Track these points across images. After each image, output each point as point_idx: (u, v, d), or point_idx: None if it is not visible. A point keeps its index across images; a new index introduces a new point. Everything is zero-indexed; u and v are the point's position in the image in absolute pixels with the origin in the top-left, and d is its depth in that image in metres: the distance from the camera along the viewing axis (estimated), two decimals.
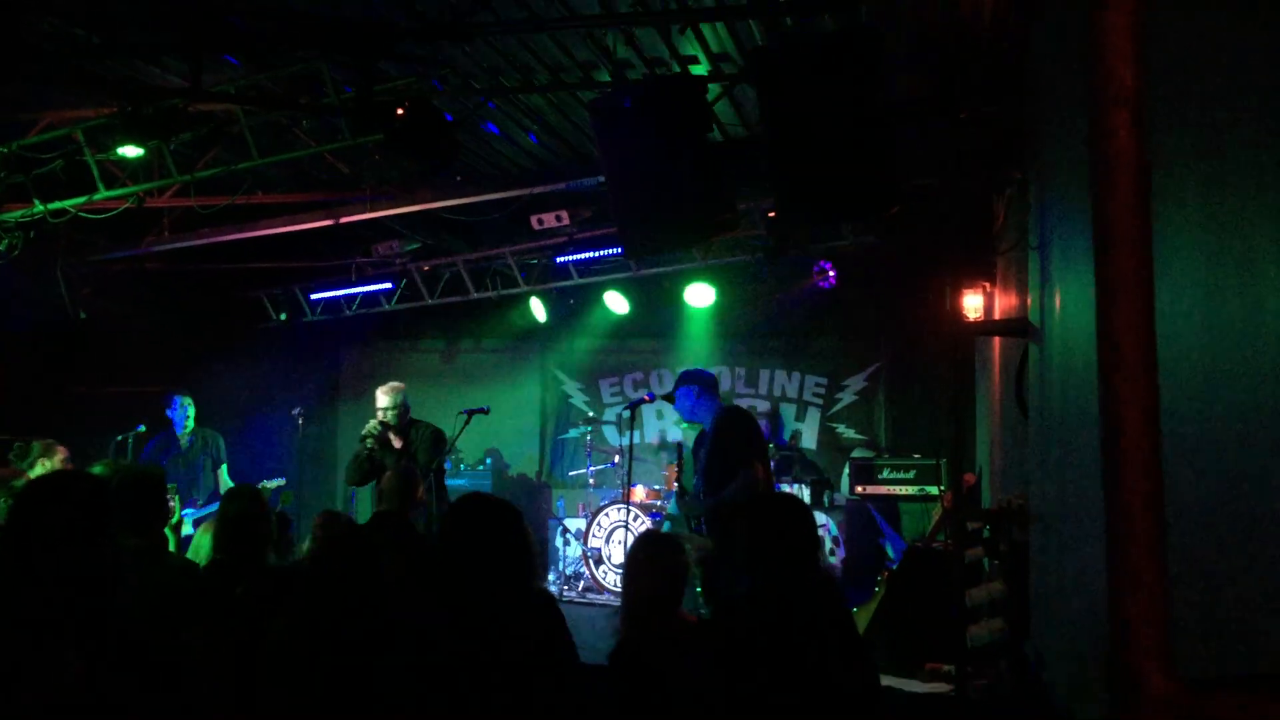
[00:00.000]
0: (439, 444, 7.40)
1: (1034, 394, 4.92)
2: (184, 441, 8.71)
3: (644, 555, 3.88)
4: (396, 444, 7.38)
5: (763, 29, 6.31)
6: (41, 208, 7.66)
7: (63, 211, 7.72)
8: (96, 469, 5.34)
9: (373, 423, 7.40)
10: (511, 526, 3.27)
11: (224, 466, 8.75)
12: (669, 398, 6.75)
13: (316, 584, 3.72)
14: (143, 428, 8.68)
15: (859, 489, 9.90)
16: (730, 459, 6.19)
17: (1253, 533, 2.04)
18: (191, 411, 8.74)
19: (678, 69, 6.66)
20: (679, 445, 7.56)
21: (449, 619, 3.12)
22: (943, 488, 9.42)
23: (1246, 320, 2.10)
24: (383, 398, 7.41)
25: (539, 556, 3.42)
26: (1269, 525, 2.00)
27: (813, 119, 5.27)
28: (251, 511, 4.56)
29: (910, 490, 9.72)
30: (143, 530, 4.12)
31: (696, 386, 6.54)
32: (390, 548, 4.98)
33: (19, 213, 7.90)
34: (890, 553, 9.32)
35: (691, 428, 8.69)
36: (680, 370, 7.05)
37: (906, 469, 9.82)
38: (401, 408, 7.41)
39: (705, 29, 6.23)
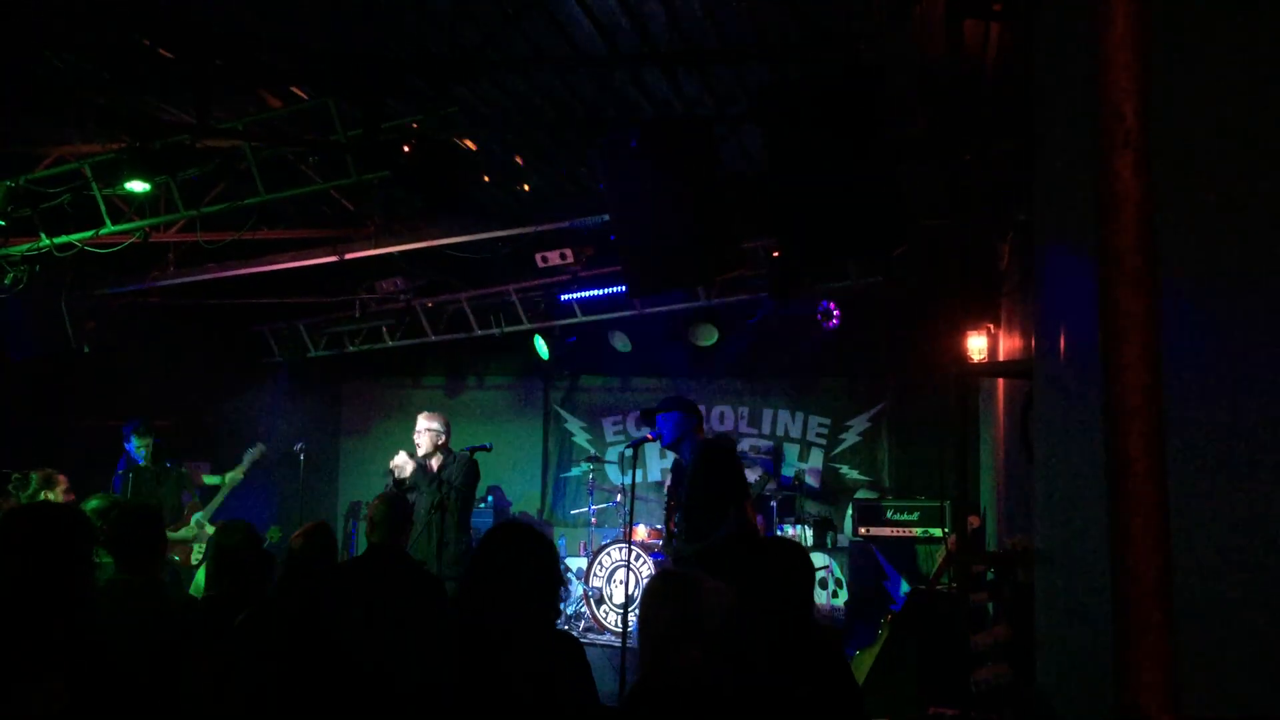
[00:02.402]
0: (472, 474, 7.45)
1: (1039, 436, 4.90)
2: (147, 472, 8.79)
3: (658, 593, 3.85)
4: (433, 467, 7.43)
5: (768, 70, 6.36)
6: (48, 241, 7.70)
7: (69, 245, 7.77)
8: (93, 503, 5.32)
9: (401, 455, 7.46)
10: (549, 561, 3.23)
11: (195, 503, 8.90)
12: (650, 417, 6.43)
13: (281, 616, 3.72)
14: (142, 462, 8.68)
15: (863, 530, 9.86)
16: (719, 498, 5.99)
17: (1259, 575, 2.02)
18: (139, 445, 8.76)
19: (683, 109, 6.70)
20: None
21: (468, 651, 3.09)
22: (947, 530, 9.38)
23: (1254, 361, 2.09)
24: (420, 422, 7.59)
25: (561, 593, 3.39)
26: (1274, 567, 1.98)
27: (817, 160, 5.29)
28: (245, 545, 4.53)
29: (915, 532, 9.68)
30: (136, 567, 4.08)
31: (680, 413, 6.29)
32: (385, 582, 4.95)
33: (25, 246, 7.95)
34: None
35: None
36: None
37: (911, 510, 9.80)
38: (435, 434, 7.50)
39: (711, 70, 6.28)
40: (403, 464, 7.37)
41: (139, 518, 4.27)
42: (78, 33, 5.85)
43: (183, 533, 8.66)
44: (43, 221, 7.59)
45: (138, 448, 8.71)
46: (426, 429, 7.52)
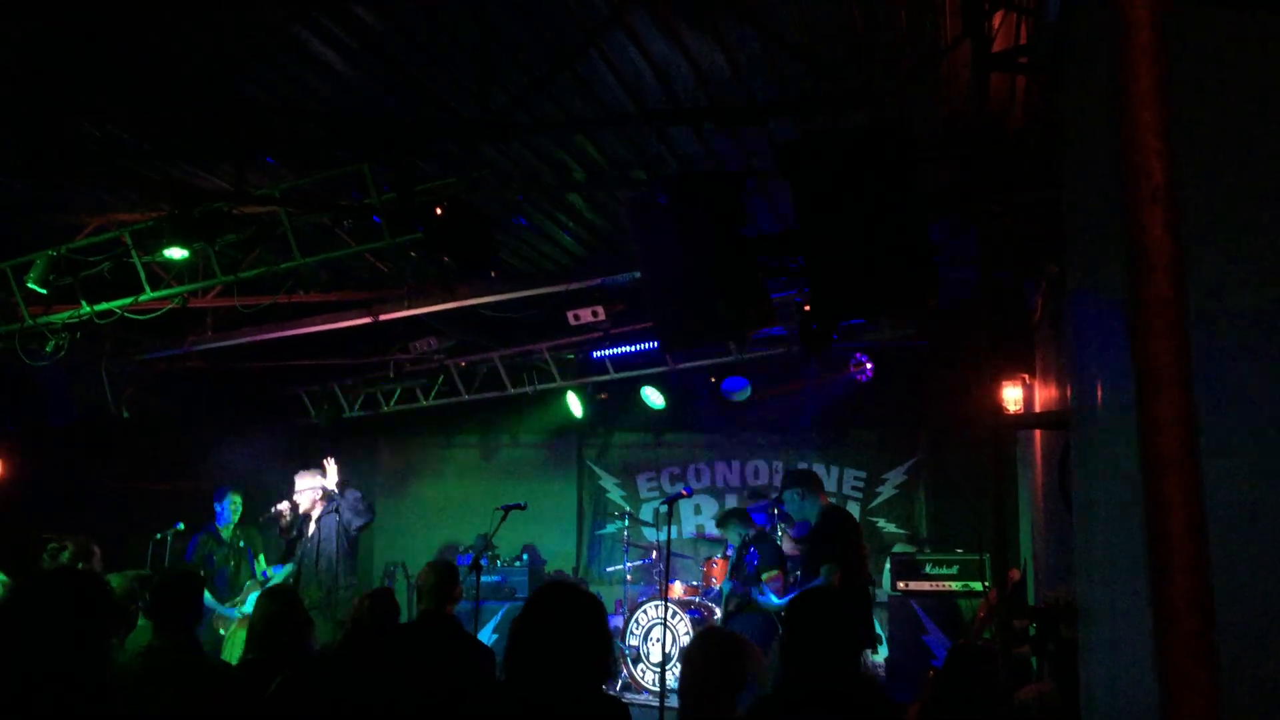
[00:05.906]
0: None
1: (1077, 487, 4.84)
2: (225, 533, 9.03)
3: (701, 650, 3.84)
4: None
5: (794, 124, 6.40)
6: (88, 309, 7.81)
7: (109, 312, 7.87)
8: (114, 579, 5.32)
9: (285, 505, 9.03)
10: (597, 624, 3.16)
11: (261, 557, 8.99)
12: (778, 501, 7.27)
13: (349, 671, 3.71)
14: (181, 525, 8.74)
15: (901, 585, 9.73)
16: (815, 555, 6.73)
17: None
18: (239, 509, 9.10)
19: (712, 165, 6.75)
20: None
21: (512, 717, 3.04)
22: (987, 584, 9.24)
23: None
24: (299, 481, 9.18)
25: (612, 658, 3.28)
26: None
27: (846, 213, 5.29)
28: (288, 612, 4.57)
29: (954, 586, 9.54)
30: (174, 631, 4.10)
31: (800, 487, 7.04)
32: (433, 648, 4.97)
33: (66, 314, 8.05)
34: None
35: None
36: (787, 470, 7.95)
37: (950, 564, 9.66)
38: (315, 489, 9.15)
39: (738, 126, 6.32)
40: (286, 511, 8.67)
41: (179, 583, 4.31)
42: (120, 104, 5.99)
43: (237, 609, 8.66)
44: (83, 289, 7.70)
45: (232, 505, 9.05)
46: (308, 488, 9.02)
